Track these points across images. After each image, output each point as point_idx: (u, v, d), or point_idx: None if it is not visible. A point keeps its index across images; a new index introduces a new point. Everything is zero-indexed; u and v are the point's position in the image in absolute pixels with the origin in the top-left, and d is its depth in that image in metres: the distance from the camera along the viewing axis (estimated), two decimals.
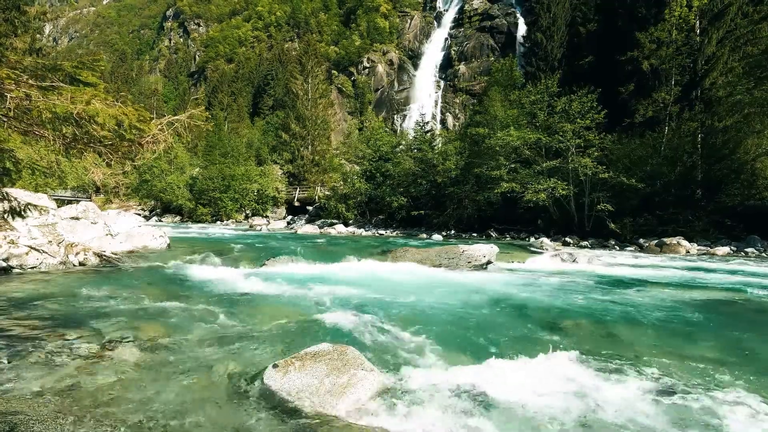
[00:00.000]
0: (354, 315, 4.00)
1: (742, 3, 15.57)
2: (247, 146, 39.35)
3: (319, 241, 13.83)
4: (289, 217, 29.97)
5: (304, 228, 20.81)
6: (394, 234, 18.65)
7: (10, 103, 2.50)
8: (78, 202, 12.88)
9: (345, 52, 64.26)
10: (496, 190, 15.72)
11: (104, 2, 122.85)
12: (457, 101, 56.31)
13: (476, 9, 60.32)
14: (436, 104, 57.82)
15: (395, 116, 58.95)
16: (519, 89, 20.74)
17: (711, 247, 11.63)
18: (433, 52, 62.65)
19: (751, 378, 2.72)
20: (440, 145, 23.58)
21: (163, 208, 32.31)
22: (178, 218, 30.84)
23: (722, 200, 13.53)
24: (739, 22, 15.31)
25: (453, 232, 18.35)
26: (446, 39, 62.30)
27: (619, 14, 18.88)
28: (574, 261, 8.61)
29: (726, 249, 11.24)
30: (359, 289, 5.34)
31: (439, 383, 2.50)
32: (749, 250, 11.06)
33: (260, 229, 21.74)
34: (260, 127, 49.79)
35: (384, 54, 63.03)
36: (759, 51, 14.47)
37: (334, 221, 23.43)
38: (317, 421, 2.08)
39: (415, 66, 62.91)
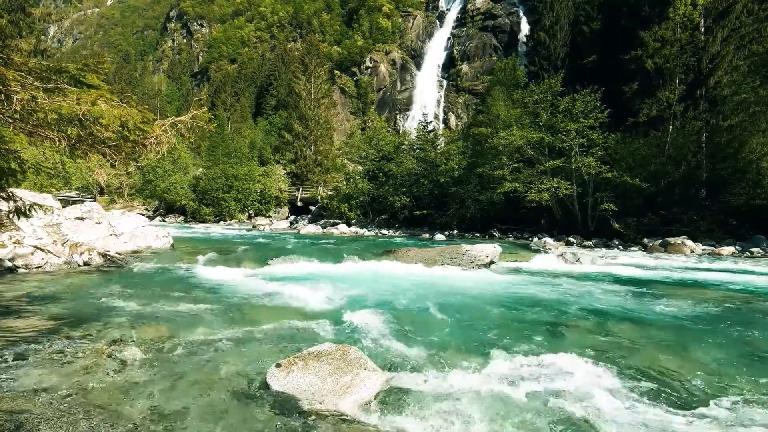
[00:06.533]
0: (357, 315, 4.00)
1: (747, 1, 15.44)
2: (250, 146, 39.42)
3: (321, 241, 13.85)
4: (292, 217, 30.03)
5: (307, 228, 20.86)
6: (397, 234, 18.65)
7: (16, 104, 2.52)
8: (82, 202, 12.96)
9: (347, 52, 64.26)
10: (498, 190, 15.69)
11: (108, 3, 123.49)
12: (460, 101, 56.20)
13: (479, 8, 60.17)
14: (439, 104, 57.73)
15: (398, 116, 58.88)
16: (522, 89, 20.70)
17: (716, 247, 11.55)
18: (435, 52, 62.54)
19: (755, 378, 2.70)
20: (443, 145, 23.59)
21: (166, 208, 32.47)
22: (181, 218, 30.98)
23: (727, 200, 13.43)
24: (744, 20, 15.19)
25: (456, 232, 18.33)
26: (449, 38, 62.18)
27: (623, 13, 18.77)
28: (577, 261, 8.58)
29: (731, 249, 11.16)
30: (362, 288, 5.34)
31: (442, 383, 2.50)
32: (755, 249, 10.97)
33: (263, 229, 21.80)
34: (263, 128, 49.86)
35: (386, 54, 62.97)
36: (764, 49, 14.35)
37: (337, 221, 23.46)
38: (320, 420, 2.08)
39: (418, 66, 62.83)
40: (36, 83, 2.63)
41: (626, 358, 3.04)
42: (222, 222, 28.94)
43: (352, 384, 2.32)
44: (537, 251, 10.04)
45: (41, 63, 2.89)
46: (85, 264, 6.83)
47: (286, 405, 2.22)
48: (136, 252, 8.26)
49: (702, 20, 15.66)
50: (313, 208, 29.04)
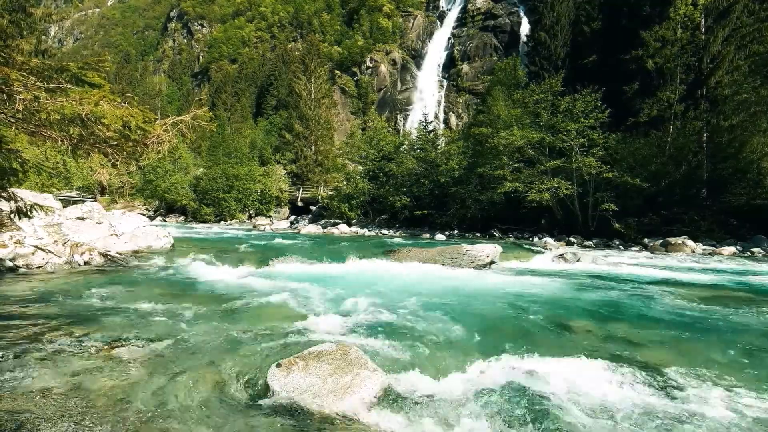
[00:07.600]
0: (357, 314, 4.00)
1: (748, 1, 15.44)
2: (251, 146, 39.45)
3: (322, 241, 13.86)
4: (293, 217, 30.04)
5: (308, 228, 20.86)
6: (398, 234, 18.64)
7: (19, 104, 2.52)
8: (83, 202, 12.97)
9: (348, 52, 64.31)
10: (499, 190, 15.69)
11: (108, 3, 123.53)
12: (460, 101, 56.23)
13: (479, 8, 60.22)
14: (439, 104, 57.76)
15: (398, 116, 58.91)
16: (522, 88, 20.71)
17: (716, 247, 11.54)
18: (435, 52, 62.59)
19: (757, 378, 2.70)
20: (443, 145, 23.60)
21: (167, 208, 32.50)
22: (182, 218, 31.00)
23: (728, 200, 13.42)
24: (745, 20, 15.18)
25: (456, 232, 18.32)
26: (449, 38, 62.23)
27: (623, 13, 18.78)
28: (578, 261, 8.58)
29: (732, 249, 11.15)
30: (363, 288, 5.34)
31: (442, 384, 2.50)
32: (755, 249, 10.96)
33: (264, 229, 21.80)
34: (263, 128, 49.90)
35: (387, 54, 62.98)
36: (765, 49, 14.36)
37: (337, 221, 23.46)
38: (320, 420, 2.09)
39: (418, 66, 62.87)
40: (38, 83, 2.64)
41: (627, 358, 3.04)
42: (222, 222, 28.96)
43: (352, 384, 2.32)
44: (537, 251, 10.04)
45: (42, 62, 2.89)
46: (86, 264, 6.84)
47: (286, 405, 2.22)
48: (136, 252, 8.27)
49: (703, 20, 15.65)
50: (313, 208, 29.06)
